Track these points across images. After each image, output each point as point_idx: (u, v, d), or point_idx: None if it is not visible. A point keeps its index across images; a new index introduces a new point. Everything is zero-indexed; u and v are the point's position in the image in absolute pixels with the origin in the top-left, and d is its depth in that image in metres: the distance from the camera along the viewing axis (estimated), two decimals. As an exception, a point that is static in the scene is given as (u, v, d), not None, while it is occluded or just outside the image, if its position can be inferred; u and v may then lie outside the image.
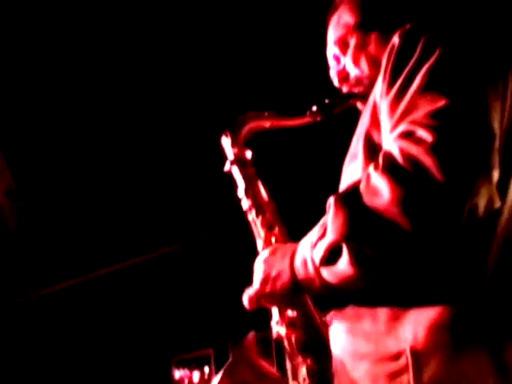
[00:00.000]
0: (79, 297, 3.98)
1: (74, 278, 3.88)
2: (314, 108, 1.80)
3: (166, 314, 4.05)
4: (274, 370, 1.68)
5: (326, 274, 1.32)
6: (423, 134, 1.25)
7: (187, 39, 3.42)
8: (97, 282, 3.91)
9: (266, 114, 1.82)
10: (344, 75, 1.77)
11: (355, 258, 1.27)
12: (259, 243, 1.67)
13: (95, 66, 3.50)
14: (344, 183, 1.50)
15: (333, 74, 1.83)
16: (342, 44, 1.76)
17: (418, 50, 1.38)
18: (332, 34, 1.80)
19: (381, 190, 1.25)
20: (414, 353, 1.27)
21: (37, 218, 3.88)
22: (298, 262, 1.39)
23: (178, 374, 3.87)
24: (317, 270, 1.33)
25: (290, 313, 1.57)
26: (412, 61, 1.37)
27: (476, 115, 1.31)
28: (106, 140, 3.74)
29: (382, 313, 1.34)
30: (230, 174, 1.79)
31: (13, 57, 3.38)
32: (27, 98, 3.56)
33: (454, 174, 1.24)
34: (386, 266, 1.29)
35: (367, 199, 1.26)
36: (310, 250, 1.36)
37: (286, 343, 1.58)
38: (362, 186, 1.29)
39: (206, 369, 4.16)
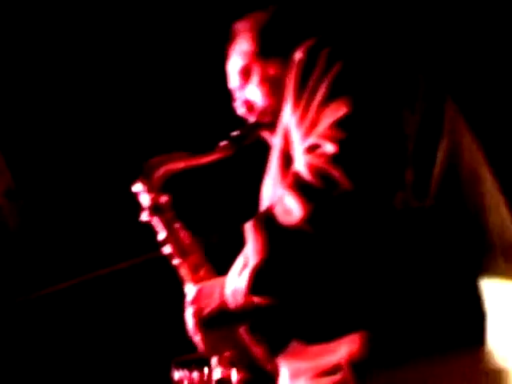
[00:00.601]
0: (79, 297, 3.97)
1: (74, 278, 3.87)
2: (223, 143, 1.80)
3: (165, 316, 4.04)
4: None
5: (255, 299, 1.35)
6: (327, 145, 1.26)
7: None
8: (97, 283, 3.90)
9: (177, 155, 1.81)
10: (249, 105, 1.76)
11: (278, 280, 1.29)
12: (188, 287, 1.66)
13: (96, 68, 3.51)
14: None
15: (238, 105, 1.81)
16: (245, 73, 1.74)
17: (320, 63, 1.39)
18: (233, 65, 1.78)
19: (292, 209, 1.26)
20: (352, 365, 1.30)
21: (37, 218, 3.87)
22: (228, 295, 1.42)
23: (177, 375, 3.86)
24: (246, 297, 1.36)
25: (229, 352, 1.57)
26: (315, 74, 1.38)
27: (381, 120, 1.31)
28: (104, 140, 3.74)
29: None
30: (147, 222, 1.77)
31: (11, 57, 3.38)
32: (26, 98, 3.56)
33: (361, 179, 1.24)
34: (308, 283, 1.30)
35: (282, 219, 1.28)
36: (236, 279, 1.36)
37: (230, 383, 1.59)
38: (276, 208, 1.30)
39: (206, 370, 4.17)
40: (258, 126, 1.77)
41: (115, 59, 3.45)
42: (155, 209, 1.79)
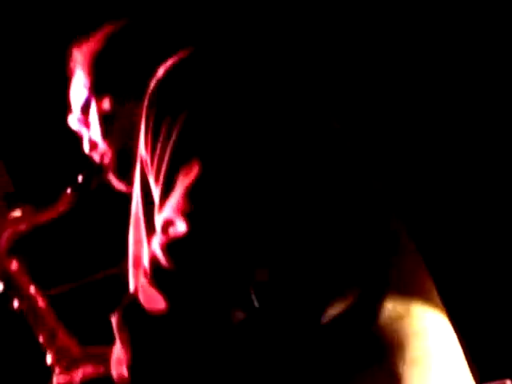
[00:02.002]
0: (79, 298, 3.97)
1: (75, 279, 3.88)
2: (68, 190, 1.71)
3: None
4: None
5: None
6: (179, 223, 1.20)
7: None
8: (97, 284, 3.90)
9: (19, 213, 1.72)
10: (92, 143, 1.65)
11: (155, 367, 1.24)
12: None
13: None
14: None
15: (84, 143, 1.69)
16: (84, 109, 1.65)
17: (173, 104, 1.30)
18: (73, 100, 1.68)
19: (156, 299, 1.21)
20: None
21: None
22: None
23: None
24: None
25: None
26: (168, 117, 1.29)
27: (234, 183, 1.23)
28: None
29: None
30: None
31: (9, 59, 3.39)
32: (25, 99, 3.56)
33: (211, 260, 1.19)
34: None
35: (147, 307, 1.23)
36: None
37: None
38: (140, 297, 1.25)
39: None
40: (101, 168, 1.65)
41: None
42: (4, 279, 1.72)
